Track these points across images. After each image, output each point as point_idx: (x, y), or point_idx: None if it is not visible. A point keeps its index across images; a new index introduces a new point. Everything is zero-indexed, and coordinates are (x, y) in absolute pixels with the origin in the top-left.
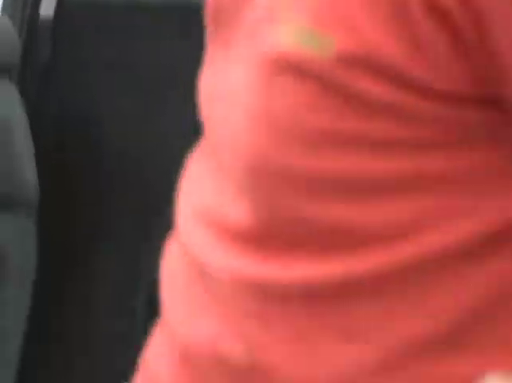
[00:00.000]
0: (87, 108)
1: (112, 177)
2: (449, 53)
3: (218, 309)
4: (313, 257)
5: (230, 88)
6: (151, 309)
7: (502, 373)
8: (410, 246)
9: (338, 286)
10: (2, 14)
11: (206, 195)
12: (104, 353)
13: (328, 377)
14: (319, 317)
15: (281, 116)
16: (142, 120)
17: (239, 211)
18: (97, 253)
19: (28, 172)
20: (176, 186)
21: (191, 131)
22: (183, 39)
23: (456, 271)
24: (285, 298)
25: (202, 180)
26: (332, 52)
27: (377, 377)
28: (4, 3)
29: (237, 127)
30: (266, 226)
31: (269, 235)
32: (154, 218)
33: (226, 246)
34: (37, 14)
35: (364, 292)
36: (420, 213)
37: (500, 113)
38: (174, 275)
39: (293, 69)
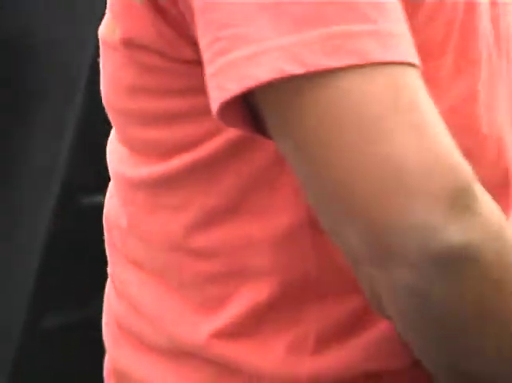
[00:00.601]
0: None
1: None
2: (174, 35)
3: (118, 195)
4: (150, 162)
5: None
6: None
7: None
8: (199, 151)
9: (163, 179)
10: None
11: None
12: None
13: (164, 234)
14: (157, 198)
15: (110, 75)
16: None
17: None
18: None
19: None
20: None
21: None
22: None
23: (234, 159)
24: (141, 187)
25: None
26: (118, 36)
27: (194, 236)
28: None
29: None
30: (124, 141)
31: (129, 148)
32: None
33: (119, 156)
34: None
35: (179, 181)
36: (196, 132)
37: None
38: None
39: (108, 47)
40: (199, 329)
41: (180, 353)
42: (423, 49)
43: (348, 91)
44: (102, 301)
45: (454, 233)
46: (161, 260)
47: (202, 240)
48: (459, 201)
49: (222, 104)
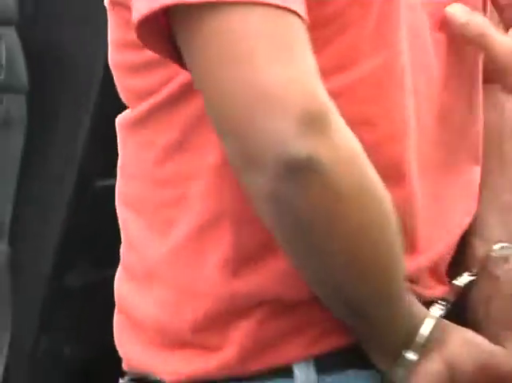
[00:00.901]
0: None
1: None
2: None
3: (119, 147)
4: (133, 107)
5: None
6: None
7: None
8: (158, 96)
9: (139, 120)
10: None
11: None
12: None
13: (139, 168)
14: (135, 137)
15: (110, 36)
16: None
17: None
18: None
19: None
20: None
21: None
22: None
23: (181, 103)
24: (127, 129)
25: None
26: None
27: (156, 169)
28: None
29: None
30: (121, 94)
31: (124, 99)
32: None
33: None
34: None
35: (147, 121)
36: (157, 79)
37: None
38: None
39: (108, 11)
40: (158, 250)
41: (151, 279)
42: (344, 18)
43: (225, 24)
44: (117, 266)
45: (301, 147)
46: (139, 192)
47: (160, 172)
48: (312, 122)
49: (138, 22)
